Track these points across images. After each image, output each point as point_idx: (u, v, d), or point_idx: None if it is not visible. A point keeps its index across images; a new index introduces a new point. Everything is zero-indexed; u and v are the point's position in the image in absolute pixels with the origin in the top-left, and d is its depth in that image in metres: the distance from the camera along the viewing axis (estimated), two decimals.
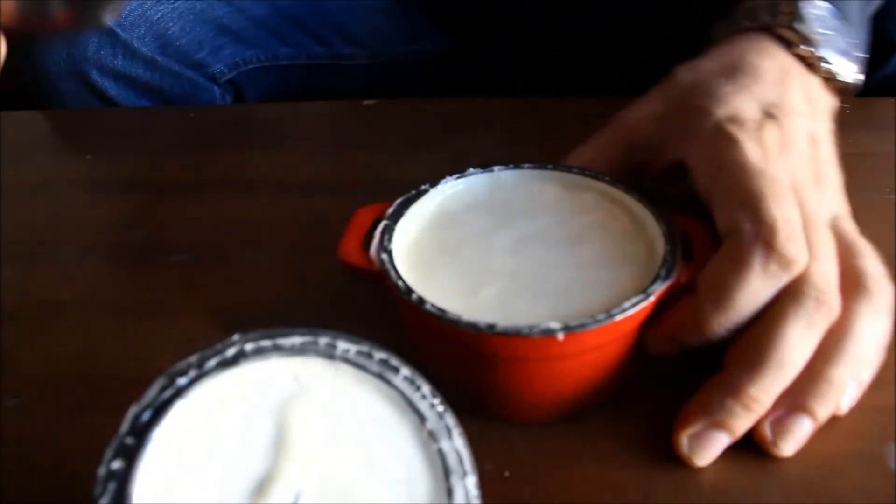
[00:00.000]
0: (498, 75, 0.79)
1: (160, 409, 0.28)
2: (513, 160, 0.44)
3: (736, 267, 0.36)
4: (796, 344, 0.35)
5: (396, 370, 0.30)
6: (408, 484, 0.28)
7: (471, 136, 0.58)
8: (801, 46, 0.43)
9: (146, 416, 0.28)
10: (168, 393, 0.29)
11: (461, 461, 0.28)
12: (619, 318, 0.34)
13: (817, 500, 0.35)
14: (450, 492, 0.28)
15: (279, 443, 0.28)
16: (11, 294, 0.49)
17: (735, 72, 0.42)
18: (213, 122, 0.66)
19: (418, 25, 0.78)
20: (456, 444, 0.29)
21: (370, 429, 0.29)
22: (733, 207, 0.37)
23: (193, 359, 0.30)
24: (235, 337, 0.30)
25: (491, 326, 0.34)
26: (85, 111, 0.70)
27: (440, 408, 0.30)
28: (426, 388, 0.30)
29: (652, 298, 0.35)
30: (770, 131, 0.39)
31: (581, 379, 0.37)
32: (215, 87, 0.76)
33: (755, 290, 0.35)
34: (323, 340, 0.31)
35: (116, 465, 0.27)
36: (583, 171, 0.42)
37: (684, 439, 0.36)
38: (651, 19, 0.73)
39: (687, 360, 0.38)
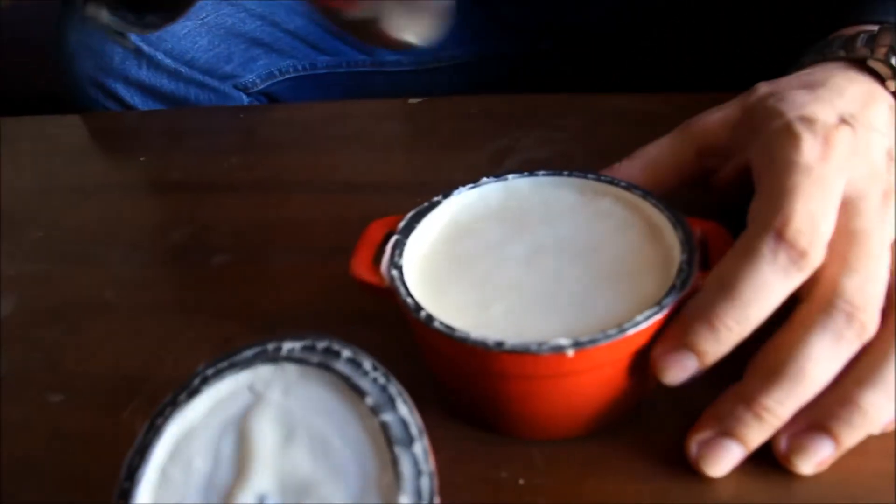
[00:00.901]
0: (542, 77, 0.78)
1: (144, 451, 0.30)
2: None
3: (744, 254, 0.34)
4: (819, 357, 0.33)
5: (338, 354, 0.31)
6: (356, 463, 0.29)
7: (514, 134, 0.58)
8: (890, 81, 0.41)
9: (136, 461, 0.30)
10: (150, 435, 0.30)
11: (406, 429, 0.29)
12: (631, 332, 0.33)
13: None
14: (394, 461, 0.28)
15: (241, 453, 0.30)
16: (59, 293, 0.51)
17: (817, 87, 0.40)
18: (262, 123, 0.66)
19: (464, 30, 0.78)
20: (400, 413, 0.29)
21: (318, 419, 0.30)
22: (761, 201, 0.36)
23: (168, 397, 0.31)
24: (200, 367, 0.32)
25: (499, 344, 0.33)
26: (134, 113, 0.71)
27: (382, 380, 0.30)
28: (367, 364, 0.31)
29: (665, 311, 0.34)
30: (843, 134, 0.37)
31: (594, 396, 0.36)
32: (245, 97, 0.77)
33: (763, 280, 0.33)
34: (271, 346, 0.32)
35: None
36: (599, 176, 0.41)
37: (693, 445, 0.35)
38: (706, 20, 0.71)
39: (709, 374, 0.36)
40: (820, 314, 0.34)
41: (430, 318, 0.35)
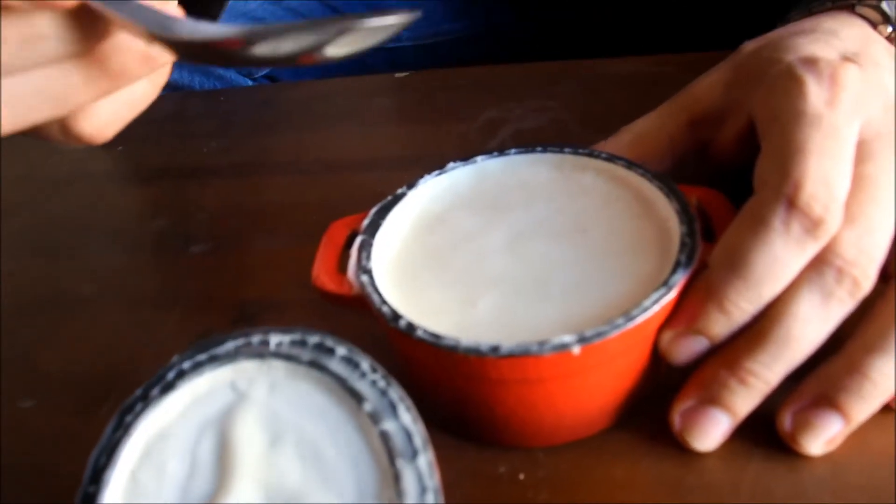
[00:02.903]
0: (543, 48, 0.76)
1: (112, 451, 0.27)
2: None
3: (753, 226, 0.31)
4: (807, 317, 0.31)
5: (332, 352, 0.28)
6: (352, 475, 0.26)
7: (506, 104, 0.55)
8: (882, 26, 0.38)
9: (102, 459, 0.27)
10: (119, 433, 0.28)
11: (410, 440, 0.26)
12: (640, 319, 0.30)
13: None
14: (396, 477, 0.26)
15: (223, 458, 0.27)
16: (34, 289, 0.49)
17: (810, 32, 0.37)
18: (244, 104, 0.64)
19: (461, 3, 0.75)
20: (403, 421, 0.27)
21: (310, 424, 0.27)
22: (769, 161, 0.32)
23: (139, 391, 0.28)
24: (175, 358, 0.29)
25: (495, 349, 0.30)
26: None
27: (382, 383, 0.28)
28: (365, 364, 0.28)
29: (674, 292, 0.31)
30: (850, 72, 0.33)
31: (604, 392, 0.33)
32: (250, 83, 0.74)
33: (776, 254, 0.30)
34: (255, 339, 0.29)
35: None
36: (576, 150, 0.37)
37: (676, 416, 0.33)
38: None
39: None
40: (809, 270, 0.31)
41: (411, 326, 0.31)
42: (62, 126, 0.31)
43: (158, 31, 0.26)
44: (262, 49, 0.25)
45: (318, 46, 0.25)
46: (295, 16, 0.74)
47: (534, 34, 0.76)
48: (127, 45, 0.29)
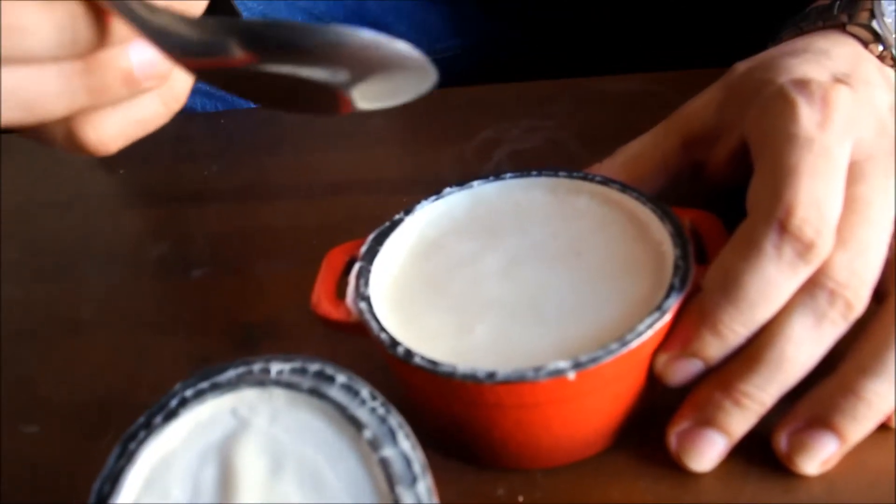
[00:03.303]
0: (543, 63, 0.76)
1: (116, 479, 0.27)
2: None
3: (746, 250, 0.31)
4: (800, 339, 0.31)
5: (332, 379, 0.29)
6: (352, 501, 0.26)
7: (501, 124, 0.54)
8: (873, 45, 0.38)
9: (106, 488, 0.27)
10: (122, 461, 0.28)
11: (409, 466, 0.27)
12: (634, 344, 0.30)
13: None
14: (396, 503, 0.26)
15: (225, 484, 0.27)
16: (34, 314, 0.49)
17: (801, 52, 0.37)
18: (245, 126, 0.64)
19: (457, 19, 0.75)
20: (402, 448, 0.27)
21: (310, 451, 0.28)
22: (761, 184, 0.33)
23: (142, 418, 0.29)
24: (177, 386, 0.29)
25: (491, 375, 0.30)
26: None
27: (381, 410, 0.28)
28: (365, 392, 0.28)
29: (669, 315, 0.31)
30: (841, 93, 0.34)
31: (600, 415, 0.33)
32: (251, 104, 0.75)
33: (768, 277, 0.31)
34: (257, 367, 0.29)
35: None
36: (571, 173, 0.38)
37: (672, 437, 0.33)
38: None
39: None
40: (802, 293, 0.31)
41: (409, 353, 0.31)
42: (67, 131, 0.30)
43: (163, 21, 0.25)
44: (280, 66, 0.25)
45: (348, 81, 0.26)
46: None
47: (533, 37, 0.76)
48: (111, 62, 0.28)
